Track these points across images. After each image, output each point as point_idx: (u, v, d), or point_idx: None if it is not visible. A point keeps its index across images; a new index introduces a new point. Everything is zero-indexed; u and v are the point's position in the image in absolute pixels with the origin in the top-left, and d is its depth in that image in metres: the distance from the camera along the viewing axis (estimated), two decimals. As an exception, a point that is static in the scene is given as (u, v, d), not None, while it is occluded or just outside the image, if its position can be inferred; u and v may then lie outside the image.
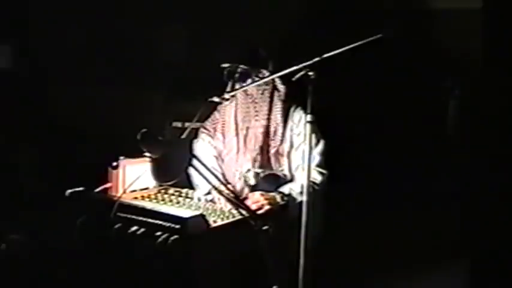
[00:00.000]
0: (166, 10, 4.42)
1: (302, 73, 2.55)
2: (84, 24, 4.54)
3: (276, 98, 3.11)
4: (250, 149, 3.11)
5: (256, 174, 3.08)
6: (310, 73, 2.52)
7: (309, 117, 2.55)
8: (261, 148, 3.09)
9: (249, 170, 3.09)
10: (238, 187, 3.11)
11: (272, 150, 3.10)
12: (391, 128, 4.19)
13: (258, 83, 2.99)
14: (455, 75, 4.12)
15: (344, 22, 4.07)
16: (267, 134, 3.10)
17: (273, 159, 3.11)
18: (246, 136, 3.12)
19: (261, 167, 3.09)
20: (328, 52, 2.55)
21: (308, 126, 2.54)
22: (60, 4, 4.45)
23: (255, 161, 3.09)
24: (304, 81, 2.54)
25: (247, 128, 3.12)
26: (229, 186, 2.81)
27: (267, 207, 2.85)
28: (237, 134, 3.15)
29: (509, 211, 3.26)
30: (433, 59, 4.17)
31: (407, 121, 4.18)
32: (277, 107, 3.11)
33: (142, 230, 2.59)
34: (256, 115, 3.11)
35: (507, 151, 3.28)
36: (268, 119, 3.10)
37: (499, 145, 3.33)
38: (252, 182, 3.09)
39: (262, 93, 3.10)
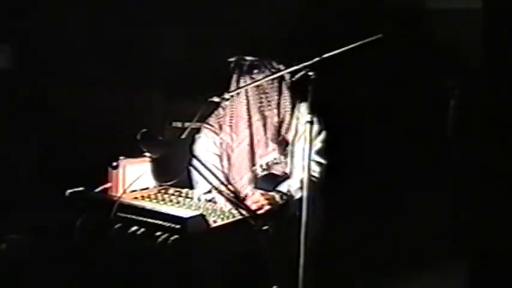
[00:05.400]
0: (166, 9, 4.42)
1: (302, 73, 2.55)
2: (84, 24, 4.54)
3: (284, 86, 3.13)
4: (269, 138, 3.13)
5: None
6: (310, 73, 2.53)
7: (308, 117, 2.55)
8: (277, 137, 3.13)
9: (275, 159, 3.12)
10: (246, 179, 3.11)
11: (279, 138, 3.13)
12: (391, 128, 4.19)
13: (265, 79, 2.97)
14: (455, 75, 4.11)
15: (344, 22, 4.06)
16: (279, 122, 3.13)
17: (279, 147, 3.13)
18: (264, 126, 3.13)
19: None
20: (328, 52, 2.55)
21: (308, 126, 2.54)
22: (60, 4, 4.45)
23: (274, 150, 3.12)
24: (304, 81, 2.55)
25: (264, 118, 3.13)
26: (229, 186, 2.80)
27: (267, 207, 2.85)
28: (249, 126, 3.15)
29: (509, 211, 3.26)
30: (433, 59, 4.17)
31: (407, 121, 4.17)
32: (285, 95, 3.13)
33: (142, 230, 2.59)
34: (269, 105, 3.13)
35: (507, 151, 3.28)
36: (279, 107, 3.12)
37: (499, 145, 3.32)
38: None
39: (271, 83, 3.11)
